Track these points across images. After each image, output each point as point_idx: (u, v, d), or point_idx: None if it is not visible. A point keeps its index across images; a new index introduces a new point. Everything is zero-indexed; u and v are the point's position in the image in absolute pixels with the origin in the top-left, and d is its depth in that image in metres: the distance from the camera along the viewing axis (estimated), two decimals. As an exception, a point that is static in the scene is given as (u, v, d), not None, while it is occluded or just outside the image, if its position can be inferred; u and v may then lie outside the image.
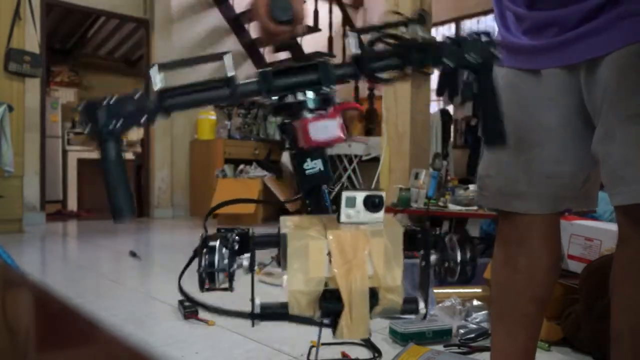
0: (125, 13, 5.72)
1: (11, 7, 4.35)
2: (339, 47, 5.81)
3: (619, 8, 0.87)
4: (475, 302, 1.99)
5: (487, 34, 0.66)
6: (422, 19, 0.69)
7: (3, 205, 4.17)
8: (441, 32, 7.23)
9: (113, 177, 0.61)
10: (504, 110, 0.68)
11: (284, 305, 0.60)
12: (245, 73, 0.80)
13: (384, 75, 0.70)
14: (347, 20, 6.12)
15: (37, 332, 0.43)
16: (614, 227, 1.71)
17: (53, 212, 5.95)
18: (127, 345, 0.32)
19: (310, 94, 0.68)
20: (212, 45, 6.06)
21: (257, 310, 0.62)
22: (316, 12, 5.99)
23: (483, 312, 1.92)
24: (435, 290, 2.03)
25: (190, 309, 1.99)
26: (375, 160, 4.61)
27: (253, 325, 0.64)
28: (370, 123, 5.76)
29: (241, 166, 5.55)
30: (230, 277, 0.63)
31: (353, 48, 0.68)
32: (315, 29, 5.79)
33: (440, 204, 3.16)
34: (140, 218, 5.90)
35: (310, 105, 0.68)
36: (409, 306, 0.64)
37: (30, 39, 4.58)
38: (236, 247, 0.64)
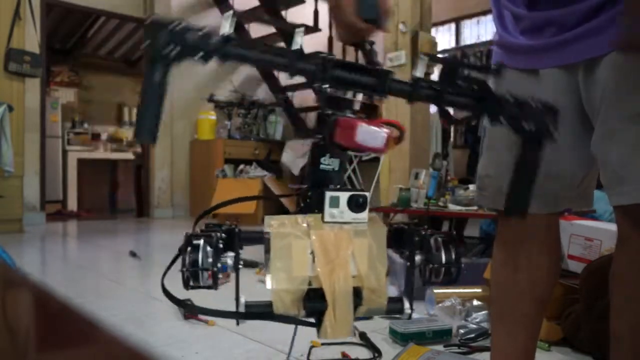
0: (125, 13, 5.72)
1: (11, 7, 4.35)
2: (339, 47, 5.81)
3: (618, 8, 0.87)
4: (475, 302, 1.99)
5: (553, 109, 0.66)
6: (498, 72, 0.69)
7: (3, 205, 4.17)
8: (441, 32, 7.23)
9: (149, 99, 0.60)
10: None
11: (269, 304, 0.60)
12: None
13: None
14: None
15: (37, 332, 0.43)
16: (614, 227, 1.71)
17: (53, 212, 5.96)
18: (127, 345, 0.32)
19: (360, 96, 0.68)
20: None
21: (242, 309, 0.62)
22: (316, 12, 6.00)
23: (483, 312, 1.92)
24: (435, 290, 2.03)
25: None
26: (375, 160, 4.61)
27: (238, 323, 0.64)
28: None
29: (241, 166, 5.56)
30: (215, 275, 0.63)
31: (419, 72, 0.68)
32: (315, 29, 5.79)
33: (440, 204, 3.16)
34: (140, 218, 5.90)
35: (356, 106, 0.68)
36: (394, 306, 0.64)
37: (30, 39, 4.58)
38: (221, 245, 0.64)
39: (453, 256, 0.65)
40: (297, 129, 6.27)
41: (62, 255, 3.90)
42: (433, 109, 5.26)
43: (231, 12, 0.63)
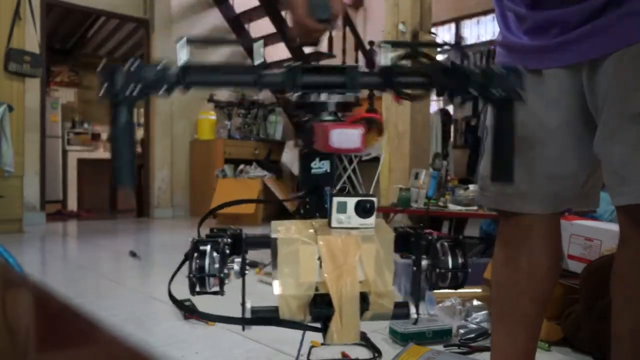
0: (125, 13, 5.72)
1: (11, 7, 4.35)
2: (339, 48, 5.81)
3: (621, 8, 0.87)
4: (475, 302, 1.99)
5: (517, 70, 0.66)
6: (458, 44, 0.70)
7: (3, 205, 4.17)
8: (441, 32, 7.23)
9: (119, 143, 0.61)
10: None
11: (275, 310, 0.60)
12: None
13: (408, 91, 0.70)
14: (347, 20, 6.11)
15: (37, 332, 0.43)
16: (614, 227, 1.71)
17: (53, 212, 5.96)
18: (127, 345, 0.32)
19: (333, 97, 0.68)
20: (212, 45, 6.05)
21: (248, 314, 0.62)
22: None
23: (483, 312, 1.92)
24: (435, 291, 2.03)
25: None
26: (375, 160, 4.61)
27: (244, 329, 0.64)
28: (372, 124, 5.75)
29: (241, 166, 5.55)
30: (221, 281, 0.63)
31: (382, 60, 0.68)
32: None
33: (440, 204, 3.16)
34: (140, 218, 5.90)
35: (332, 107, 0.68)
36: (400, 311, 0.64)
37: (30, 39, 4.58)
38: (227, 251, 0.64)
39: (460, 261, 0.65)
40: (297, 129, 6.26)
41: (62, 255, 3.90)
42: (433, 108, 5.27)
43: (185, 39, 0.64)
